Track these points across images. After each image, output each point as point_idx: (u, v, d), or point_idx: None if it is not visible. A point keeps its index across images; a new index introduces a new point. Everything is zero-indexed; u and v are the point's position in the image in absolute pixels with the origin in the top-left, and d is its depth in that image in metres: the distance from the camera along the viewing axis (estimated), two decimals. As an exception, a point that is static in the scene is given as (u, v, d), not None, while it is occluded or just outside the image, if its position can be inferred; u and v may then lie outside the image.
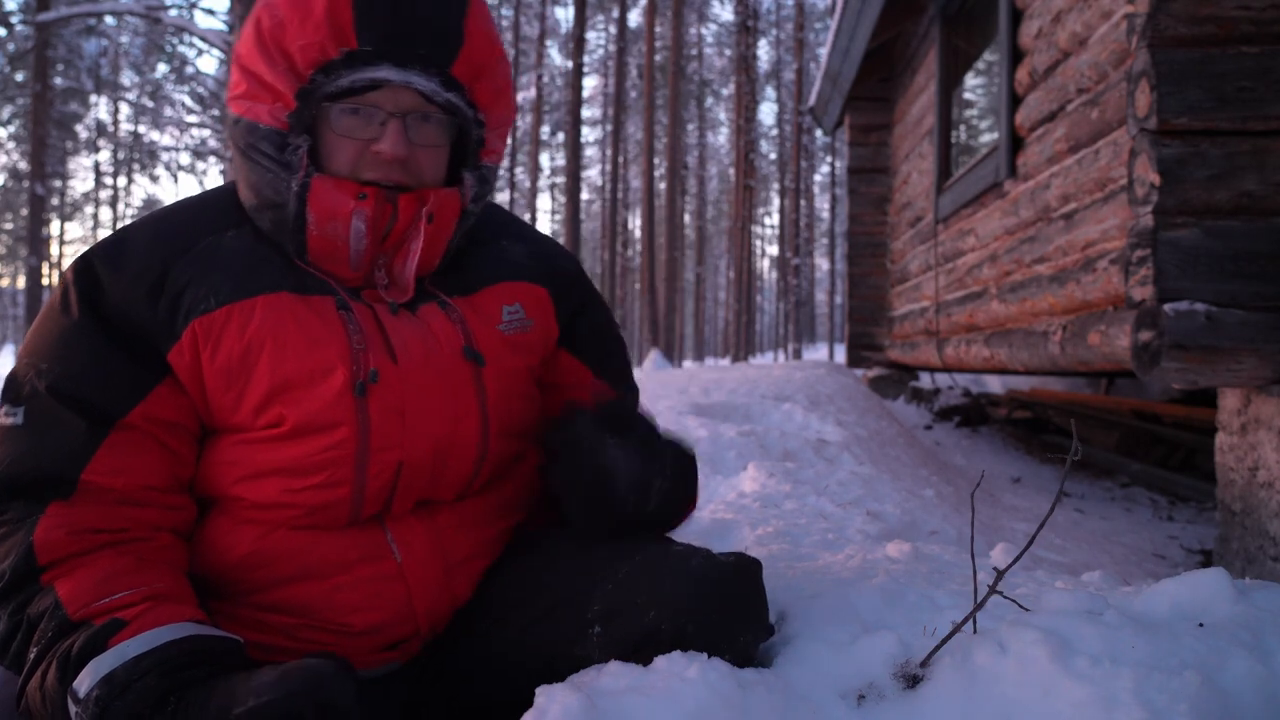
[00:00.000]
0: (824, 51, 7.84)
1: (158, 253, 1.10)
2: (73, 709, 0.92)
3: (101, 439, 1.05)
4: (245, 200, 1.15)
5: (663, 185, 28.83)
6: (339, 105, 1.08)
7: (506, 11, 27.53)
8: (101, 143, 31.15)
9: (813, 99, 8.79)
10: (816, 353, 28.63)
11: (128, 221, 1.23)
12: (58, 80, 21.91)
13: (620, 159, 26.04)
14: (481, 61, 1.12)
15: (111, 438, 1.05)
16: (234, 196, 1.19)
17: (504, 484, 1.27)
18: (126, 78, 30.74)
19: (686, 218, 34.18)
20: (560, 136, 32.97)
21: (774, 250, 42.88)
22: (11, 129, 24.91)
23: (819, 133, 25.44)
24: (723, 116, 37.94)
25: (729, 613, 1.06)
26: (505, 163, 34.99)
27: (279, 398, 1.07)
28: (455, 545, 1.19)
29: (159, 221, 1.16)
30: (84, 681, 0.92)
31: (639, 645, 1.04)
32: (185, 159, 30.57)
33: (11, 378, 1.08)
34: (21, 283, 28.46)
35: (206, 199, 1.21)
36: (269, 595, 1.11)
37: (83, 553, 1.01)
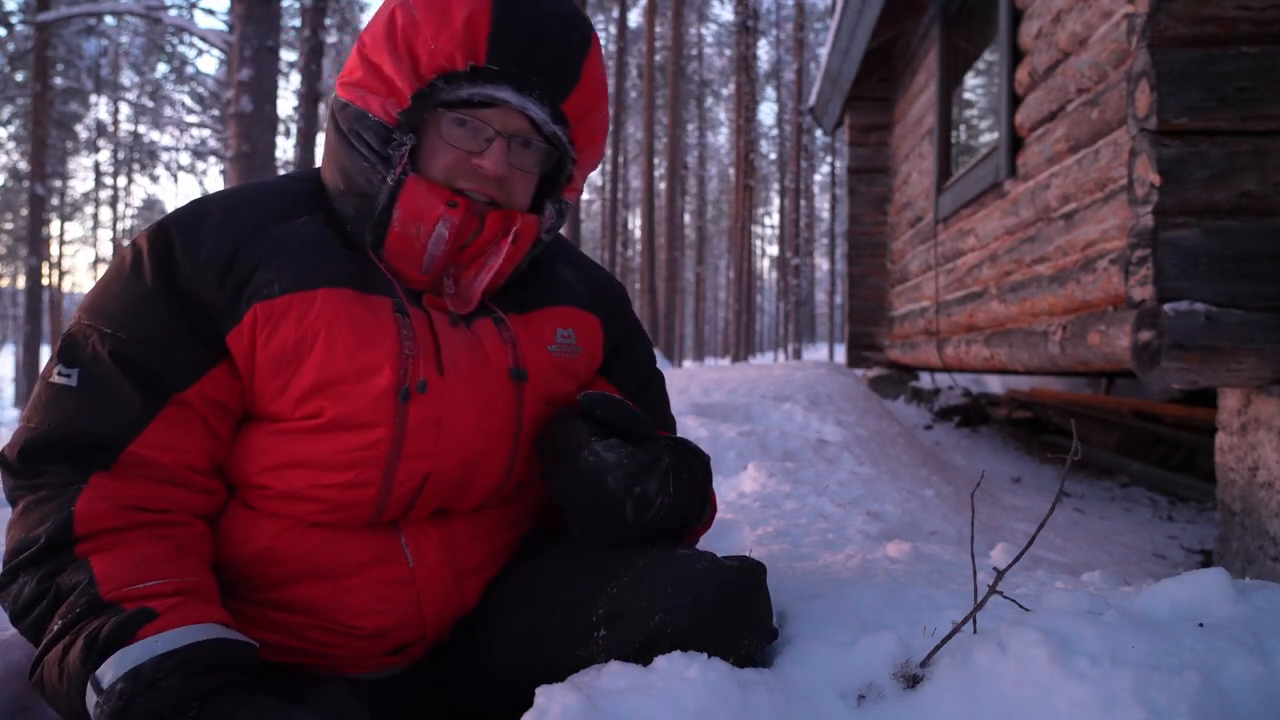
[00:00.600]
0: (824, 51, 7.84)
1: (231, 232, 1.10)
2: (93, 698, 0.91)
3: (156, 412, 1.04)
4: (331, 183, 1.16)
5: (663, 185, 28.84)
6: (452, 114, 1.10)
7: (506, 11, 27.44)
8: (101, 143, 31.15)
9: (813, 99, 8.79)
10: (816, 353, 28.63)
11: (205, 194, 1.22)
12: (58, 80, 21.90)
13: (620, 159, 26.03)
14: (591, 103, 1.15)
15: (166, 412, 1.05)
16: (312, 184, 1.20)
17: (521, 497, 1.29)
18: (126, 78, 30.74)
19: (686, 218, 34.19)
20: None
21: (774, 250, 42.90)
22: (11, 129, 24.90)
23: (819, 133, 25.46)
24: (723, 116, 37.95)
25: (734, 617, 1.07)
26: (505, 163, 34.82)
27: (323, 391, 1.08)
28: (467, 554, 1.19)
29: (236, 200, 1.15)
30: (108, 672, 0.91)
31: (643, 649, 1.04)
32: (185, 159, 30.59)
33: (69, 338, 1.07)
34: (21, 283, 28.46)
35: (286, 183, 1.21)
36: (279, 593, 1.11)
37: (122, 529, 1.01)
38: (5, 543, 1.02)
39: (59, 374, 1.05)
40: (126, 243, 1.14)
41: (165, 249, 1.08)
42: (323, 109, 10.77)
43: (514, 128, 1.12)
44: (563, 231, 1.44)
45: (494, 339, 1.18)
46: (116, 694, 0.90)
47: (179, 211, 1.13)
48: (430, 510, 1.16)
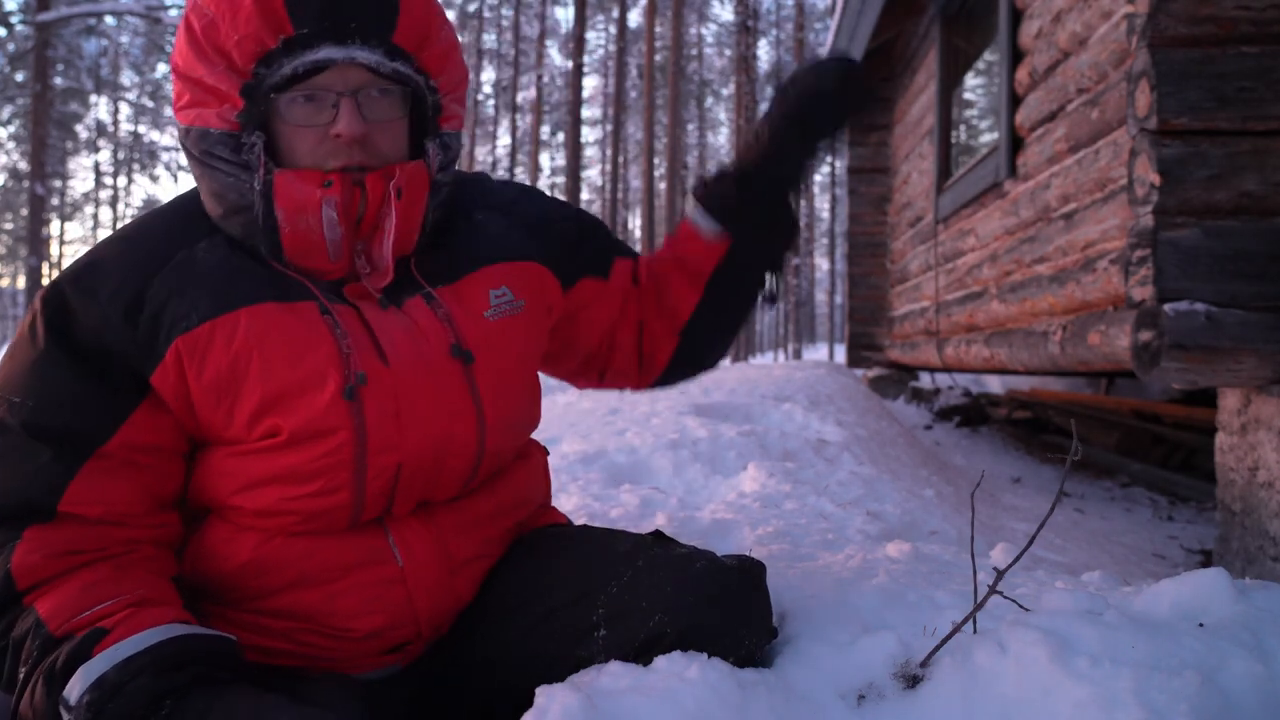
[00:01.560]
0: (824, 51, 7.83)
1: (132, 271, 1.06)
2: (65, 718, 0.91)
3: (76, 470, 1.02)
4: (211, 211, 1.11)
5: (663, 185, 28.83)
6: (287, 95, 1.04)
7: (507, 11, 27.54)
8: (101, 143, 31.15)
9: (813, 99, 8.77)
10: (816, 353, 28.62)
11: (122, 223, 1.20)
12: (58, 80, 21.90)
13: (620, 159, 26.03)
14: (423, 26, 1.09)
15: (87, 467, 1.03)
16: (200, 205, 1.14)
17: (505, 482, 1.26)
18: (126, 78, 30.75)
19: (686, 218, 34.10)
20: (560, 136, 32.96)
21: (774, 250, 42.79)
22: (11, 129, 24.92)
23: (819, 133, 25.38)
24: (723, 116, 37.93)
25: (733, 617, 1.06)
26: (505, 163, 34.97)
27: (272, 409, 1.05)
28: (458, 546, 1.18)
29: (129, 239, 1.12)
30: (74, 688, 0.91)
31: (643, 649, 1.04)
32: (185, 159, 30.55)
33: None
34: (21, 283, 28.44)
35: (172, 211, 1.16)
36: (270, 602, 1.10)
37: (61, 574, 1.00)
38: None
39: None
40: (29, 313, 1.11)
41: (59, 307, 1.05)
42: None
43: (354, 82, 1.05)
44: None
45: (428, 318, 1.14)
46: (85, 706, 0.90)
47: (72, 267, 1.10)
48: (411, 504, 1.15)
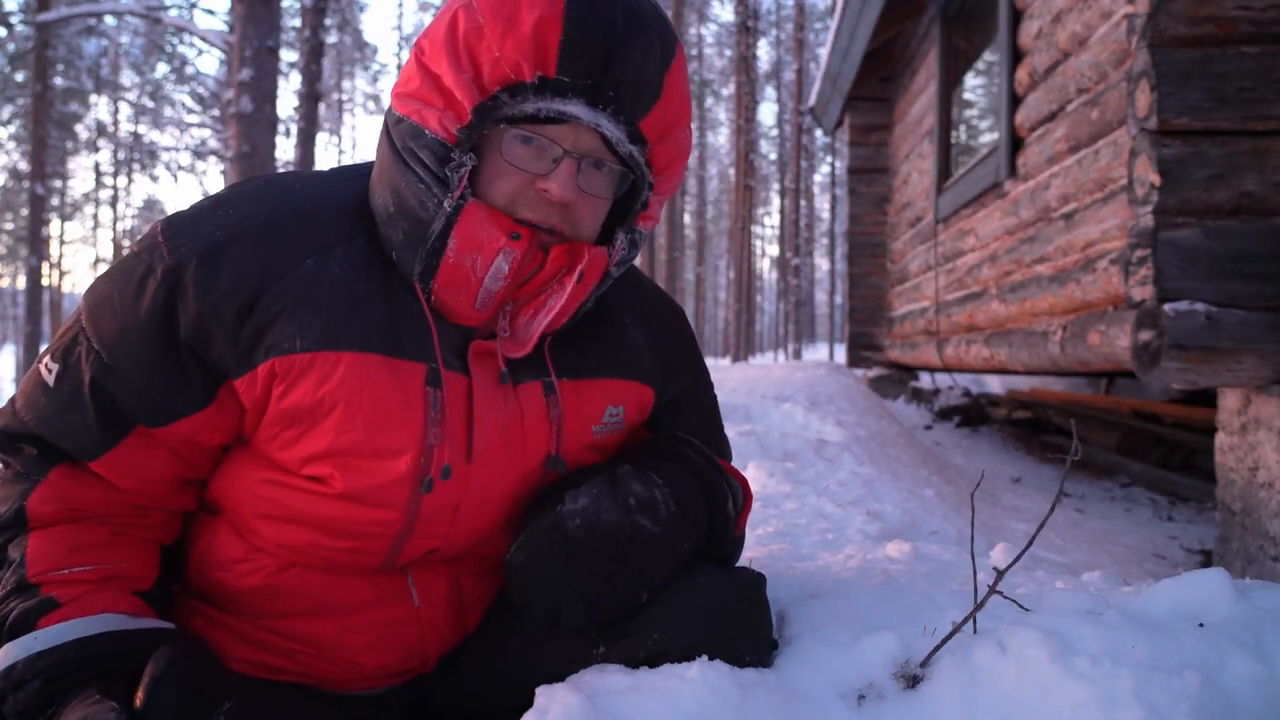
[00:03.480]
0: (824, 51, 7.84)
1: (256, 269, 0.99)
2: None
3: (115, 443, 1.01)
4: (380, 204, 1.03)
5: (663, 185, 28.72)
6: (515, 130, 0.98)
7: (506, 11, 27.46)
8: (101, 143, 31.12)
9: (813, 99, 8.79)
10: (816, 353, 28.62)
11: (205, 196, 1.08)
12: (58, 80, 21.89)
13: (620, 159, 25.98)
14: (673, 121, 1.03)
15: (128, 441, 1.01)
16: (356, 200, 1.08)
17: None
18: (126, 78, 30.73)
19: (686, 218, 34.18)
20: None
21: (774, 250, 42.90)
22: (11, 129, 24.91)
23: (819, 133, 25.46)
24: (723, 116, 37.92)
25: (734, 632, 1.06)
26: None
27: (333, 459, 1.01)
28: (470, 586, 1.19)
29: (269, 227, 1.02)
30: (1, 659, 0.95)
31: (643, 665, 1.03)
32: (185, 159, 30.54)
33: (68, 332, 1.04)
34: (21, 283, 28.44)
35: (324, 200, 1.07)
36: (282, 623, 1.10)
37: (64, 521, 1.03)
38: None
39: (46, 366, 1.03)
40: (149, 242, 1.01)
41: (177, 281, 0.98)
42: (323, 109, 10.74)
43: (585, 147, 1.00)
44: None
45: (538, 415, 1.08)
46: None
47: (207, 234, 1.01)
48: (437, 560, 1.15)
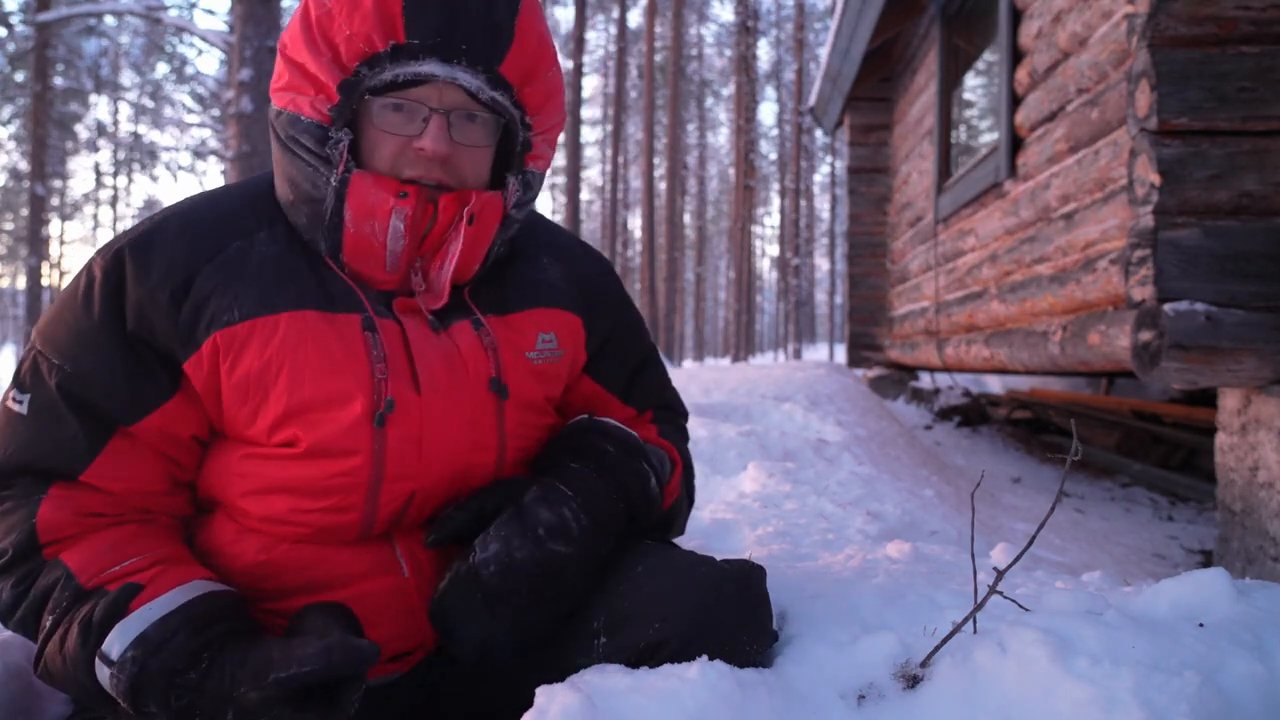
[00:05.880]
0: (824, 51, 7.85)
1: (185, 253, 1.07)
2: (105, 671, 0.95)
3: (102, 446, 1.04)
4: (281, 194, 1.12)
5: (663, 185, 28.85)
6: (382, 100, 1.06)
7: (506, 11, 27.45)
8: (101, 143, 31.12)
9: (813, 99, 8.79)
10: (816, 353, 28.62)
11: (158, 210, 1.18)
12: (58, 80, 21.90)
13: (620, 159, 26.03)
14: (532, 62, 1.09)
15: (112, 444, 1.05)
16: (270, 190, 1.16)
17: None
18: (126, 78, 30.75)
19: (686, 218, 34.18)
20: (560, 136, 32.92)
21: (774, 250, 42.91)
22: (11, 129, 24.90)
23: (819, 133, 25.47)
24: (723, 116, 37.94)
25: (734, 623, 1.06)
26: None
27: (294, 419, 1.05)
28: None
29: (191, 217, 1.11)
30: (114, 645, 0.94)
31: (643, 656, 1.04)
32: (185, 159, 30.56)
33: (24, 362, 1.09)
34: (21, 283, 28.46)
35: (242, 192, 1.17)
36: (276, 604, 1.11)
37: (84, 532, 1.04)
38: None
39: (13, 399, 1.07)
40: (85, 265, 1.13)
41: (118, 277, 1.05)
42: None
43: (449, 101, 1.06)
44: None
45: (473, 345, 1.14)
46: (130, 661, 0.94)
47: (134, 231, 1.10)
48: (421, 520, 1.15)
